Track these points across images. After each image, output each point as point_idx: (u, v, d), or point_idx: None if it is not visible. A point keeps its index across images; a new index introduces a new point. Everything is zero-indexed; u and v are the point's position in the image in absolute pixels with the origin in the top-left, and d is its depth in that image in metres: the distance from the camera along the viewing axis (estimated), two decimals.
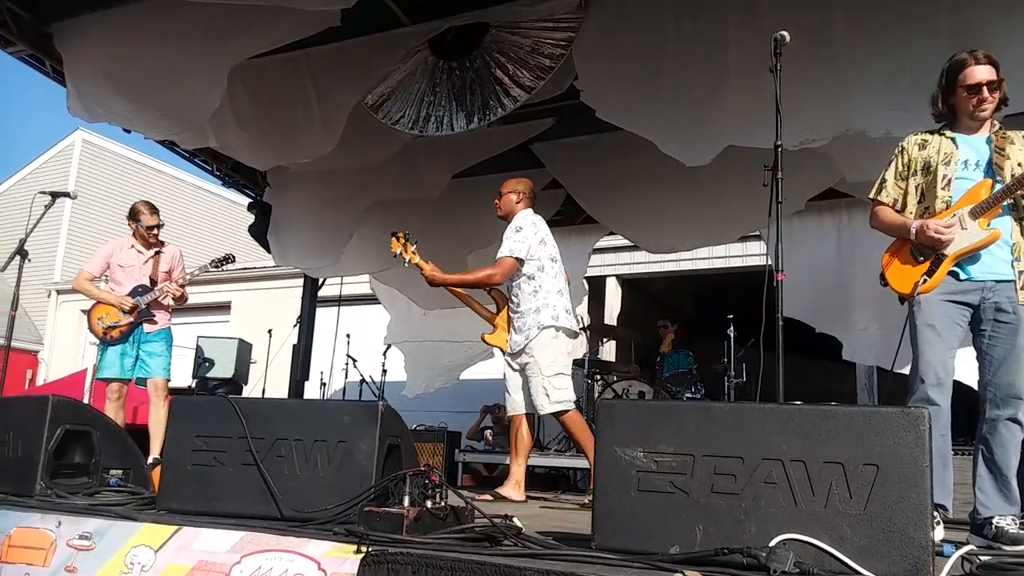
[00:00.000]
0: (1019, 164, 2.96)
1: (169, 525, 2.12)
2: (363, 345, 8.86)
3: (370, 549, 1.82)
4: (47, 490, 2.68)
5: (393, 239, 4.79)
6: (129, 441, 3.10)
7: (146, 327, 5.36)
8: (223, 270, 6.25)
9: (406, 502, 2.05)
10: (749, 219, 6.29)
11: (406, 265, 4.74)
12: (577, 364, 7.42)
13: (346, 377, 8.59)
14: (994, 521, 2.77)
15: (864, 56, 4.55)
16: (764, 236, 6.24)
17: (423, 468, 2.16)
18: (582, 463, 6.07)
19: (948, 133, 3.10)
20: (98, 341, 5.39)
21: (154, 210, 5.51)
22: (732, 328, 6.69)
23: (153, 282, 5.37)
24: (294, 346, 8.43)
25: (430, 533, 2.01)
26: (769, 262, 3.09)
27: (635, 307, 10.90)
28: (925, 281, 2.95)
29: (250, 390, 8.81)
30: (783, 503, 1.83)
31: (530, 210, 4.63)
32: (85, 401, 10.67)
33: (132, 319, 5.27)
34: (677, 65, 5.02)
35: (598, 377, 7.46)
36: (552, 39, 5.33)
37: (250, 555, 1.93)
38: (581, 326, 7.76)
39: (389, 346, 8.65)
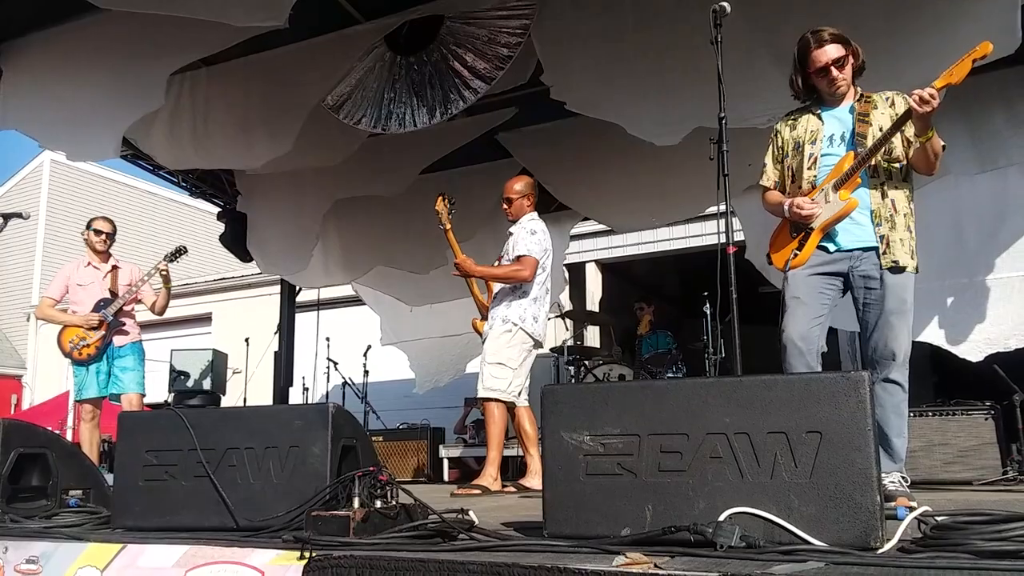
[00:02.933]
0: (880, 128, 3.00)
1: (114, 544, 2.08)
2: (343, 347, 8.82)
3: (313, 554, 1.78)
4: (3, 515, 2.62)
5: (439, 198, 4.97)
6: (87, 461, 3.05)
7: (116, 340, 5.30)
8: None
9: (355, 503, 2.02)
10: (715, 192, 6.29)
11: (439, 227, 4.92)
12: (557, 351, 7.42)
13: (328, 381, 8.55)
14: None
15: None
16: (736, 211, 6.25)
17: (372, 468, 2.12)
18: None
19: (815, 110, 3.17)
20: (71, 362, 5.33)
21: (107, 220, 5.49)
22: (708, 305, 6.68)
23: (114, 294, 5.31)
24: (276, 353, 8.38)
25: (379, 534, 1.97)
26: (722, 238, 3.07)
27: (616, 291, 10.88)
28: (795, 256, 3.05)
29: (231, 400, 8.75)
30: (730, 477, 1.80)
31: (535, 213, 4.81)
32: (69, 423, 10.60)
33: (103, 332, 5.21)
34: (640, 48, 4.99)
35: (580, 363, 7.44)
36: (508, 27, 5.29)
37: (194, 568, 1.89)
38: (560, 312, 7.76)
39: (369, 347, 8.60)
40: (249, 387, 9.36)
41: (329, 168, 6.80)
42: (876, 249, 3.01)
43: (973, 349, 5.74)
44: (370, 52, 5.69)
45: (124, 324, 5.34)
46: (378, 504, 2.05)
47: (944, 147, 3.00)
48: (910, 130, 2.94)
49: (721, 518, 1.75)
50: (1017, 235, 5.82)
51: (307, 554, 1.79)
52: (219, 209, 8.12)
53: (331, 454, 2.32)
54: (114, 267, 5.45)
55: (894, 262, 2.98)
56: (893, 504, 2.34)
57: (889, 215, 3.01)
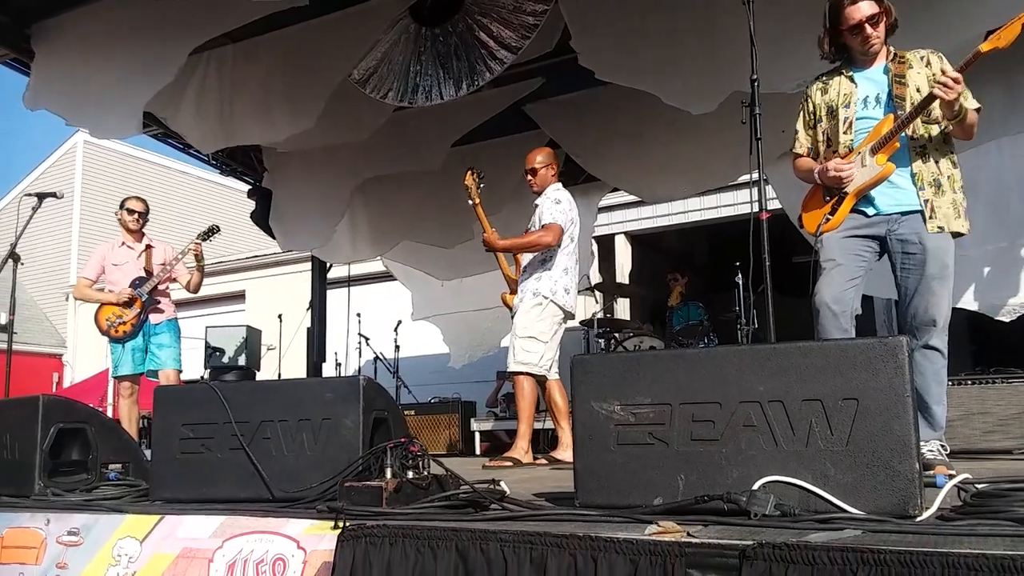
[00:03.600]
0: (918, 89, 2.92)
1: (153, 515, 2.12)
2: (374, 323, 8.89)
3: (347, 524, 1.80)
4: (45, 489, 2.69)
5: (468, 172, 4.94)
6: (126, 435, 3.11)
7: (152, 318, 5.39)
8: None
9: (387, 474, 2.03)
10: (747, 160, 6.18)
11: (468, 202, 4.90)
12: (587, 324, 7.40)
13: (360, 356, 8.63)
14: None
15: None
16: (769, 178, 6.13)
17: (403, 439, 2.13)
18: None
19: (846, 72, 3.08)
20: (109, 340, 5.43)
21: (140, 200, 5.56)
22: (740, 275, 6.59)
23: (149, 273, 5.39)
24: (308, 329, 8.47)
25: (411, 504, 1.98)
26: (755, 206, 3.01)
27: (646, 263, 10.80)
28: (828, 220, 2.98)
29: (267, 376, 8.88)
30: (764, 445, 1.77)
31: (560, 183, 4.79)
32: (108, 400, 10.85)
33: (137, 310, 5.30)
34: (671, 12, 4.90)
35: (610, 335, 7.41)
36: None
37: (231, 539, 1.92)
38: (589, 285, 7.72)
39: (400, 322, 8.65)
40: (283, 363, 9.49)
41: (358, 145, 6.80)
42: (919, 212, 2.93)
43: (1008, 311, 5.63)
44: (395, 24, 5.65)
45: (160, 302, 5.42)
46: (410, 475, 2.06)
47: (979, 109, 2.91)
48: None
49: (755, 487, 1.73)
50: None
51: (341, 524, 1.81)
52: (249, 187, 8.17)
53: (363, 426, 2.34)
54: (148, 247, 5.52)
55: (940, 228, 2.90)
56: (932, 472, 2.29)
57: (933, 179, 2.93)
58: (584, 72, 5.29)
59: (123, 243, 5.51)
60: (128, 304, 5.30)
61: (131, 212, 5.49)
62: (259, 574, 1.82)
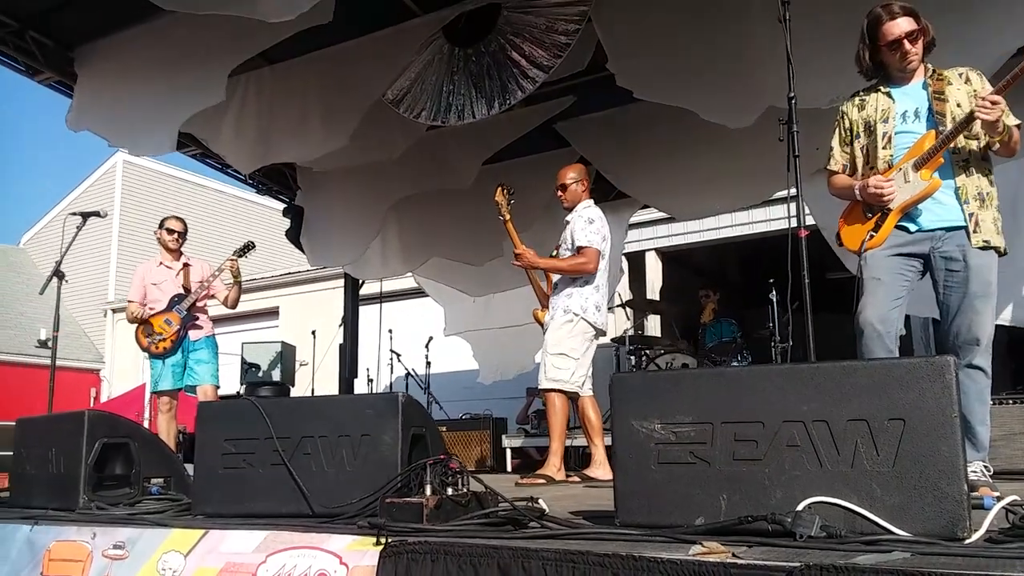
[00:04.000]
0: (958, 105, 2.90)
1: (197, 529, 2.15)
2: (406, 339, 8.95)
3: (389, 540, 1.81)
4: (90, 503, 2.74)
5: (499, 189, 4.98)
6: (167, 450, 3.17)
7: (192, 335, 5.49)
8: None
9: (427, 491, 2.04)
10: (782, 177, 6.15)
11: (499, 218, 4.92)
12: (618, 341, 7.37)
13: (392, 372, 8.68)
14: None
15: None
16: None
17: (442, 456, 2.14)
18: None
19: (883, 88, 3.06)
20: (149, 356, 5.53)
21: (179, 220, 5.67)
22: (774, 292, 6.54)
23: (187, 290, 5.49)
24: (340, 345, 8.55)
25: (451, 521, 1.99)
26: (794, 222, 3.00)
27: (677, 280, 10.75)
28: (871, 237, 2.94)
29: (299, 392, 8.96)
30: (808, 466, 1.76)
31: (591, 200, 4.81)
32: (145, 415, 11.01)
33: (177, 327, 5.40)
34: (701, 28, 4.91)
35: (642, 352, 7.38)
36: (565, 15, 5.25)
37: (275, 554, 1.94)
38: (620, 302, 7.70)
39: (431, 338, 8.70)
40: (316, 378, 9.57)
41: (391, 165, 6.89)
42: (963, 228, 2.90)
43: None
44: (428, 45, 5.73)
45: (198, 319, 5.52)
46: (449, 491, 2.07)
47: (1019, 125, 2.88)
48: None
49: (800, 507, 1.71)
50: None
51: (383, 540, 1.82)
52: (284, 205, 8.30)
53: (401, 442, 2.35)
54: (185, 264, 5.62)
55: (985, 241, 2.87)
56: (977, 494, 2.25)
57: (977, 192, 2.91)
58: (615, 90, 5.32)
59: (160, 262, 5.62)
60: (167, 322, 5.40)
61: (170, 232, 5.61)
62: None
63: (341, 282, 9.06)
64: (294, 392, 8.63)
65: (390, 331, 8.93)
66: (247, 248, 5.78)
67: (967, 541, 1.60)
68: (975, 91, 2.94)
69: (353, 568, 1.81)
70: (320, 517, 2.32)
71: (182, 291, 5.50)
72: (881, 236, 2.95)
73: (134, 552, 2.16)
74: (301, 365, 9.55)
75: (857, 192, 3.01)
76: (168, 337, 5.38)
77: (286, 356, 8.43)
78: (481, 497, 2.17)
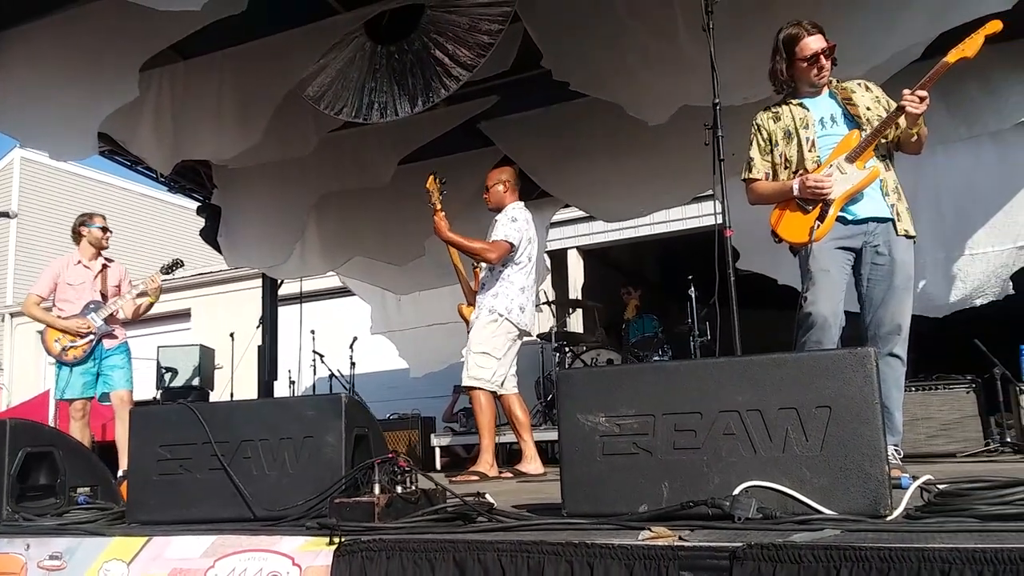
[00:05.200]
0: (868, 108, 3.13)
1: (139, 536, 2.10)
2: (329, 340, 8.81)
3: (343, 539, 1.83)
4: (14, 514, 2.63)
5: (431, 177, 4.96)
6: (94, 458, 3.06)
7: (105, 343, 5.28)
8: (177, 277, 6.16)
9: (376, 490, 2.06)
10: (701, 179, 6.37)
11: (429, 206, 4.89)
12: (544, 338, 7.48)
13: (315, 373, 8.55)
14: None
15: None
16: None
17: (391, 455, 2.16)
18: (553, 435, 6.17)
19: (794, 101, 3.26)
20: (55, 362, 5.29)
21: (103, 217, 5.46)
22: (693, 289, 6.77)
23: (104, 296, 5.28)
24: (259, 347, 8.36)
25: (402, 518, 2.02)
26: (719, 220, 3.14)
27: (599, 277, 10.96)
28: (818, 226, 3.07)
29: (217, 395, 8.72)
30: (743, 452, 1.87)
31: (521, 203, 4.83)
32: (50, 423, 10.48)
33: (92, 337, 5.19)
34: (629, 27, 5.04)
35: (567, 349, 7.52)
36: (488, 15, 5.29)
37: (224, 558, 1.92)
38: (545, 300, 7.82)
39: (355, 338, 8.61)
40: (235, 381, 9.32)
41: (308, 162, 6.79)
42: (889, 221, 3.10)
43: (937, 309, 5.93)
44: (350, 42, 5.68)
45: (113, 329, 5.33)
46: (399, 489, 2.10)
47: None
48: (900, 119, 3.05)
49: (736, 491, 1.82)
50: (991, 211, 5.99)
51: (336, 539, 1.83)
52: (198, 204, 8.06)
53: (345, 443, 2.36)
54: (104, 266, 5.41)
55: (906, 231, 3.10)
56: (894, 474, 2.42)
57: (895, 185, 3.15)
58: (539, 91, 5.43)
59: (79, 261, 5.39)
60: (85, 335, 5.19)
61: (105, 231, 5.42)
62: None
63: (258, 282, 8.84)
64: (212, 397, 8.39)
65: (312, 332, 8.79)
66: (175, 266, 5.63)
67: (889, 518, 1.74)
68: (877, 97, 3.19)
69: (307, 569, 1.82)
70: (262, 521, 2.30)
71: (99, 297, 5.29)
72: (827, 225, 3.08)
73: (72, 562, 2.09)
74: (217, 368, 9.28)
75: (796, 189, 3.13)
76: (81, 347, 5.17)
77: (205, 360, 8.19)
78: (430, 494, 2.20)
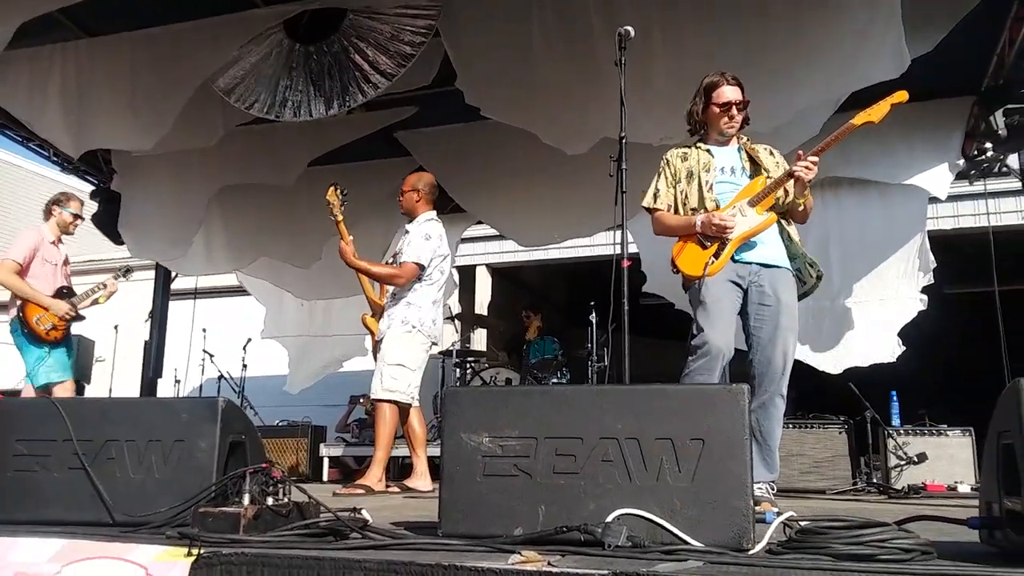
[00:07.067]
0: (766, 170, 3.33)
1: None
2: (221, 339, 8.49)
3: (202, 551, 1.74)
4: None
5: (331, 188, 4.85)
6: None
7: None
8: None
9: (245, 500, 1.98)
10: (618, 212, 6.49)
11: (331, 218, 4.81)
12: (445, 354, 7.45)
13: (203, 374, 8.22)
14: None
15: (711, 53, 4.75)
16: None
17: (264, 464, 2.08)
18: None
19: (703, 146, 3.44)
20: (28, 342, 5.01)
21: (80, 203, 5.34)
22: (594, 314, 6.88)
23: (71, 291, 5.21)
24: (145, 342, 7.98)
25: (270, 531, 1.95)
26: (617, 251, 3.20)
27: (506, 296, 11.01)
28: (713, 262, 3.21)
29: (95, 390, 8.25)
30: (619, 479, 1.90)
31: (434, 213, 4.81)
32: None
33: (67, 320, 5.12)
34: (547, 57, 5.10)
35: (467, 366, 7.50)
36: (412, 27, 5.27)
37: (71, 564, 1.80)
38: (449, 315, 7.79)
39: (249, 340, 8.33)
40: (115, 377, 8.85)
41: (214, 152, 6.58)
42: (778, 268, 3.26)
43: (833, 363, 6.22)
44: (268, 37, 5.55)
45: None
46: (270, 501, 2.02)
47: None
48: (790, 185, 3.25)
49: (609, 519, 1.84)
50: (875, 262, 6.36)
51: (195, 551, 1.75)
52: (93, 188, 7.66)
53: (219, 450, 2.27)
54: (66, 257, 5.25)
55: (796, 277, 3.28)
56: (760, 509, 2.51)
57: (790, 239, 3.32)
58: (459, 106, 5.41)
59: (54, 241, 5.21)
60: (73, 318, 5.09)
61: (76, 217, 5.26)
62: None
63: (149, 273, 8.43)
64: (89, 391, 7.94)
65: (204, 330, 8.45)
66: (127, 272, 5.64)
67: (751, 552, 1.79)
68: (778, 162, 3.40)
69: None
70: (122, 526, 2.18)
71: (65, 285, 5.18)
72: (722, 262, 3.21)
73: None
74: (98, 361, 8.80)
75: (699, 224, 3.25)
76: (59, 327, 5.04)
77: (83, 351, 7.72)
78: (303, 507, 2.13)
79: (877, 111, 3.14)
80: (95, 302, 5.38)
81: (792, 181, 3.18)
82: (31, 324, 4.97)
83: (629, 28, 3.27)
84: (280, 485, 2.07)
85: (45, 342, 5.00)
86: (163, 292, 8.24)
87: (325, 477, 6.89)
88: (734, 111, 3.34)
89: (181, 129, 5.82)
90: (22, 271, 5.01)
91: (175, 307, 8.29)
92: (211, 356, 8.23)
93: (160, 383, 8.02)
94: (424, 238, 4.58)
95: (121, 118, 5.76)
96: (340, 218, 4.77)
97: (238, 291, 9.14)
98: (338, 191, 4.83)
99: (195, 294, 8.78)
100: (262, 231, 7.62)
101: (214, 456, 2.25)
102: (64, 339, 5.11)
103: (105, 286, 5.40)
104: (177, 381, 8.30)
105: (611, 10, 4.73)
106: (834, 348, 6.34)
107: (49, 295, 5.07)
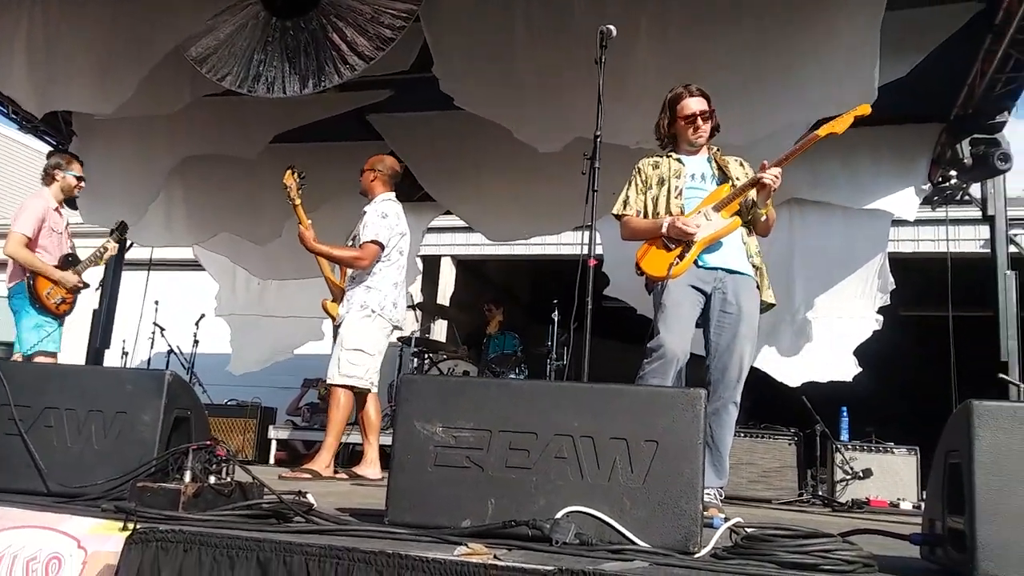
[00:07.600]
0: (737, 179, 3.38)
1: None
2: (173, 313, 8.30)
3: (137, 526, 1.68)
4: None
5: (288, 172, 4.75)
6: None
7: None
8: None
9: (186, 477, 1.92)
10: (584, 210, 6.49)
11: (288, 202, 4.72)
12: (404, 342, 7.38)
13: (152, 347, 8.03)
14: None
15: (695, 59, 4.75)
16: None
17: (208, 442, 2.03)
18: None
19: (674, 155, 3.49)
20: (45, 314, 4.86)
21: (80, 164, 5.17)
22: (556, 312, 6.88)
23: (76, 258, 5.06)
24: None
25: (211, 510, 1.89)
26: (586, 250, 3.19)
27: (469, 289, 10.95)
28: (677, 263, 3.23)
29: None
30: (571, 477, 1.89)
31: (392, 194, 4.74)
32: None
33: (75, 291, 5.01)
34: (528, 51, 5.07)
35: (426, 356, 7.45)
36: (392, 10, 5.18)
37: (1, 532, 1.73)
38: (411, 303, 7.72)
39: (203, 315, 8.17)
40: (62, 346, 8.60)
41: (182, 120, 6.42)
42: (744, 275, 3.29)
43: (791, 375, 6.30)
44: (243, 8, 5.42)
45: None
46: (212, 480, 1.97)
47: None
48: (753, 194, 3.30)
49: (558, 515, 1.82)
50: (835, 279, 6.45)
51: (130, 526, 1.69)
52: (51, 149, 7.43)
53: (162, 424, 2.21)
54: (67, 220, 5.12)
55: (765, 299, 3.32)
56: (708, 514, 2.52)
57: (758, 251, 3.36)
58: (435, 94, 5.34)
59: (56, 207, 5.01)
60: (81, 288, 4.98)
61: (79, 179, 5.08)
62: (29, 572, 1.65)
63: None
64: None
65: (156, 303, 8.24)
66: (124, 229, 5.50)
67: (697, 555, 1.79)
68: (747, 173, 3.42)
69: (92, 553, 1.66)
70: (55, 496, 2.11)
71: (71, 254, 5.00)
72: (686, 264, 3.23)
73: None
74: None
75: (665, 228, 3.27)
76: (68, 300, 4.93)
77: None
78: (246, 488, 2.08)
79: (841, 123, 3.22)
80: (94, 263, 5.27)
81: (756, 190, 3.21)
82: (42, 299, 4.82)
83: (612, 27, 3.25)
84: (224, 464, 2.02)
85: (55, 316, 4.90)
86: (116, 261, 8.00)
87: (272, 460, 6.78)
88: (699, 122, 3.38)
89: (146, 94, 5.66)
90: (31, 243, 4.83)
91: (128, 277, 8.07)
92: (162, 330, 8.04)
93: (107, 354, 7.81)
94: (380, 216, 4.51)
95: (88, 78, 5.58)
96: (297, 202, 4.67)
97: (194, 265, 8.95)
98: (295, 174, 4.72)
99: (149, 265, 8.56)
100: (224, 206, 7.47)
101: (157, 430, 2.19)
102: (70, 311, 5.01)
103: (106, 249, 5.28)
104: (125, 353, 8.08)
105: (599, 5, 4.71)
106: (793, 359, 6.42)
107: (55, 264, 4.92)
